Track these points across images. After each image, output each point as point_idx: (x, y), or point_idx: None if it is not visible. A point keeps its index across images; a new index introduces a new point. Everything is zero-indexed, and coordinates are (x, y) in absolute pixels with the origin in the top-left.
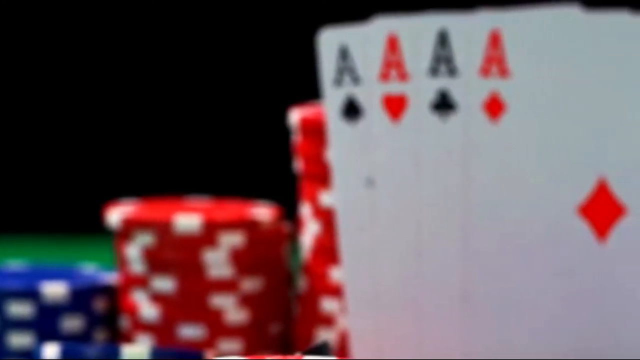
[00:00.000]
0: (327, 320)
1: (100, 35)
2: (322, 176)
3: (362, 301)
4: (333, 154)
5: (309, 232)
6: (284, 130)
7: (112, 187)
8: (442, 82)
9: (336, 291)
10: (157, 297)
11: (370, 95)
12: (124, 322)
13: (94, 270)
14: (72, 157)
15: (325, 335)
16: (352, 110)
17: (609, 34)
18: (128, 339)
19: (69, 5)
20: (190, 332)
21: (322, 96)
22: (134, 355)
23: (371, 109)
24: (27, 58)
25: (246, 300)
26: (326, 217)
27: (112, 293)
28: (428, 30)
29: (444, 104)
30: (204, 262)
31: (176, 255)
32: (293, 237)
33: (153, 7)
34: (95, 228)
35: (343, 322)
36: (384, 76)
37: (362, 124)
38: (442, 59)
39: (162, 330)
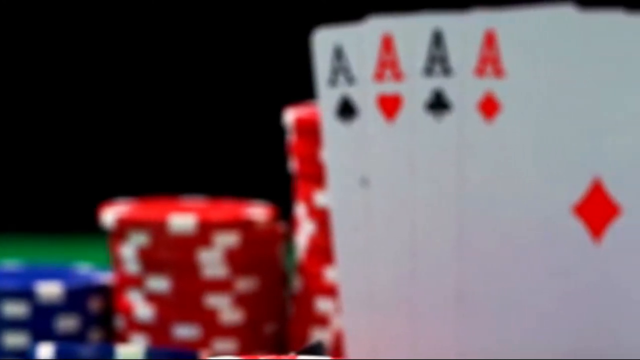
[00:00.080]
0: (322, 320)
1: (94, 37)
2: (317, 176)
3: (356, 301)
4: (328, 154)
5: (304, 232)
6: (279, 130)
7: (106, 187)
8: (437, 82)
9: (331, 291)
10: (152, 297)
11: (364, 95)
12: (119, 322)
13: (89, 270)
14: (67, 157)
15: (320, 335)
16: (346, 110)
17: (604, 34)
18: (123, 339)
19: (63, 5)
20: (185, 332)
21: (317, 96)
22: (129, 355)
23: (366, 108)
24: (20, 59)
25: (241, 300)
26: (321, 217)
27: (107, 293)
28: (423, 30)
29: (438, 104)
30: (199, 262)
31: (171, 255)
32: (288, 237)
33: (148, 7)
34: (90, 228)
35: (338, 322)
36: (379, 76)
37: (356, 124)
38: (437, 58)
39: (157, 330)
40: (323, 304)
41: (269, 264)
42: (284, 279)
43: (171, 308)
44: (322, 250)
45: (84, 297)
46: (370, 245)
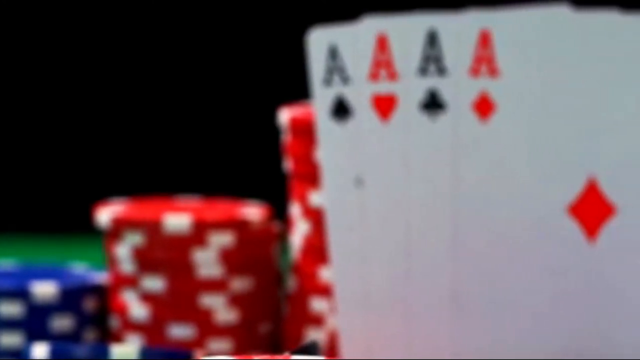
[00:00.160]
0: (317, 320)
1: (87, 37)
2: (311, 176)
3: (351, 301)
4: (322, 154)
5: (299, 231)
6: (274, 130)
7: (101, 187)
8: (432, 81)
9: (326, 291)
10: (147, 297)
11: (359, 95)
12: (114, 322)
13: (84, 269)
14: (61, 157)
15: (314, 335)
16: (341, 109)
17: (599, 34)
18: (118, 338)
19: (58, 5)
20: (180, 331)
21: (312, 96)
22: (123, 354)
23: (360, 108)
24: (15, 60)
25: (236, 300)
26: (316, 217)
27: (102, 293)
28: (417, 30)
29: (433, 104)
30: (194, 262)
31: (166, 254)
32: (283, 237)
33: (143, 7)
34: (85, 227)
35: (332, 322)
36: (374, 76)
37: (351, 124)
38: (432, 58)
39: (151, 330)
40: (318, 304)
41: (264, 263)
42: (278, 279)
43: (166, 308)
44: (317, 250)
45: (79, 296)
46: (365, 245)
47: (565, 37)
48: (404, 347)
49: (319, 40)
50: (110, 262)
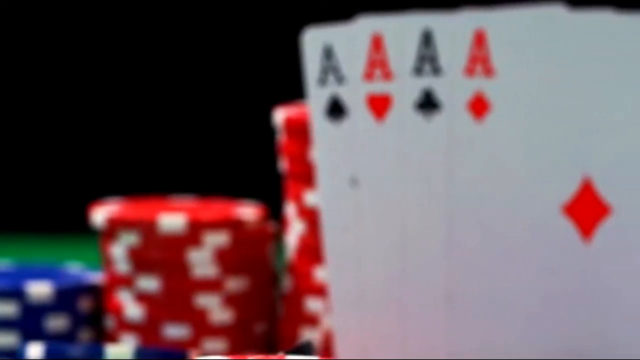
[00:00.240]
0: (312, 320)
1: (82, 39)
2: (306, 176)
3: (346, 301)
4: (317, 154)
5: (294, 231)
6: (269, 130)
7: (97, 187)
8: (427, 81)
9: (321, 291)
10: (142, 297)
11: (354, 95)
12: (109, 322)
13: (79, 269)
14: (57, 157)
15: (310, 335)
16: (336, 109)
17: (593, 33)
18: (113, 338)
19: (54, 6)
20: (175, 331)
21: (307, 96)
22: (118, 355)
23: (355, 108)
24: (9, 59)
25: (231, 300)
26: (311, 217)
27: (97, 293)
28: (412, 29)
29: (428, 104)
30: (189, 262)
31: (161, 254)
32: (278, 237)
33: (138, 7)
34: (80, 227)
35: (328, 322)
36: (368, 75)
37: (346, 124)
38: (427, 58)
39: (147, 330)
40: (313, 304)
41: (259, 263)
42: (274, 279)
43: (161, 308)
44: (312, 250)
45: (74, 296)
46: (360, 245)
47: (560, 36)
48: (399, 347)
49: (314, 40)
50: (105, 262)
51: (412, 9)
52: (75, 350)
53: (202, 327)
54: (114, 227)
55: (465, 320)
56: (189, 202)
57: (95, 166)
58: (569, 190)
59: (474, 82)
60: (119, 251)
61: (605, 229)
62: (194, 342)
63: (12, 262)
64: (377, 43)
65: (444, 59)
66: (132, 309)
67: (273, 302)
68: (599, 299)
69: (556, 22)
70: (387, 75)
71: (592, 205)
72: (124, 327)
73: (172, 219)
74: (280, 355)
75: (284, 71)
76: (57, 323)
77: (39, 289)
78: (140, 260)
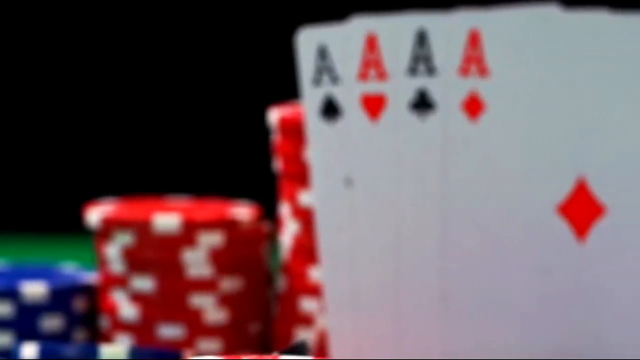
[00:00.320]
0: (307, 320)
1: (76, 39)
2: (301, 176)
3: (341, 301)
4: (312, 154)
5: (288, 231)
6: (264, 130)
7: (91, 187)
8: (421, 81)
9: (315, 291)
10: (137, 297)
11: (349, 95)
12: (104, 322)
13: (74, 269)
14: (51, 157)
15: (304, 335)
16: (330, 109)
17: (588, 33)
18: (108, 338)
19: (52, 7)
20: (169, 331)
21: (301, 96)
22: (113, 355)
23: (350, 108)
24: (3, 59)
25: (225, 300)
26: (305, 217)
27: (91, 293)
28: (407, 29)
29: (422, 104)
30: (184, 262)
31: (155, 254)
32: (272, 237)
33: (133, 7)
34: (75, 227)
35: (322, 322)
36: (363, 75)
37: (341, 124)
38: (421, 58)
39: (141, 330)
40: (307, 304)
41: (254, 263)
42: (268, 279)
43: (156, 308)
44: (306, 250)
45: (69, 296)
46: (354, 245)
47: (554, 37)
48: (394, 346)
49: (309, 40)
50: (100, 262)
51: (407, 9)
52: (69, 350)
53: (197, 327)
54: (109, 227)
55: (459, 320)
56: (183, 202)
57: (90, 166)
58: (563, 190)
59: (468, 82)
60: (113, 251)
61: (599, 229)
62: (188, 342)
63: (7, 262)
64: (371, 43)
65: (438, 59)
66: (127, 309)
67: (268, 302)
68: (593, 299)
69: (551, 22)
70: (382, 75)
71: (587, 206)
72: (119, 327)
73: (166, 219)
74: (274, 355)
75: (279, 71)
76: (51, 323)
77: (34, 289)
78: (135, 260)
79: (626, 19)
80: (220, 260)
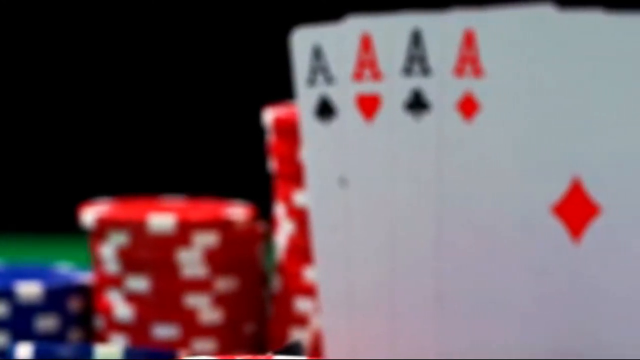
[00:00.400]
0: (301, 320)
1: (70, 40)
2: (296, 176)
3: (335, 301)
4: (307, 154)
5: (283, 231)
6: (258, 130)
7: (86, 187)
8: (416, 81)
9: (310, 291)
10: (132, 297)
11: (343, 95)
12: (99, 322)
13: (69, 269)
14: (46, 157)
15: (299, 335)
16: (325, 109)
17: (583, 34)
18: (103, 338)
19: (49, 8)
20: (164, 331)
21: (296, 96)
22: (107, 355)
23: (345, 108)
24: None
25: (220, 300)
26: (300, 217)
27: (86, 293)
28: (401, 29)
29: (417, 104)
30: (178, 262)
31: (150, 255)
32: (267, 237)
33: (128, 7)
34: (70, 228)
35: (317, 322)
36: (358, 76)
37: (335, 124)
38: (416, 58)
39: (136, 330)
40: (302, 304)
41: (249, 263)
42: (263, 279)
43: (151, 308)
44: (301, 250)
45: (64, 297)
46: (349, 245)
47: (549, 37)
48: (389, 347)
49: (303, 40)
50: (95, 262)
51: (402, 9)
52: (64, 350)
53: (192, 327)
54: (104, 227)
55: (454, 320)
56: (178, 202)
57: (85, 166)
58: (558, 190)
59: (463, 82)
60: (108, 251)
61: (594, 229)
62: (183, 342)
63: (2, 262)
64: (366, 43)
65: (433, 59)
66: (122, 309)
67: (262, 302)
68: (588, 299)
69: (545, 23)
70: (377, 75)
71: (582, 206)
72: (114, 327)
73: (161, 219)
74: (268, 355)
75: (274, 71)
76: (46, 323)
77: (29, 289)
78: (130, 261)
79: (621, 19)
80: (215, 260)
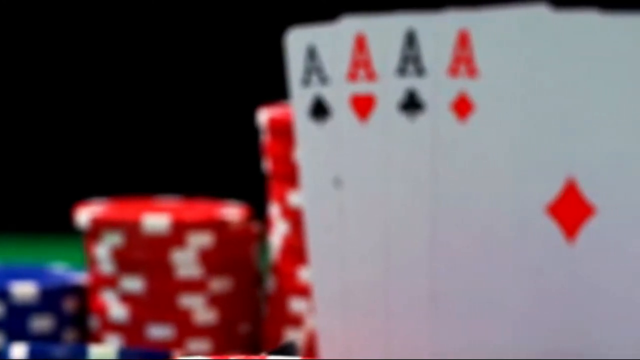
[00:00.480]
0: (296, 321)
1: (67, 40)
2: (290, 176)
3: (330, 301)
4: (301, 154)
5: (278, 232)
6: (253, 130)
7: (81, 187)
8: (410, 81)
9: (305, 291)
10: (126, 297)
11: (338, 95)
12: (94, 322)
13: (64, 270)
14: (41, 157)
15: (294, 335)
16: (320, 110)
17: (577, 34)
18: (97, 339)
19: (47, 8)
20: (159, 332)
21: (290, 96)
22: (102, 355)
23: (339, 108)
24: None
25: (215, 301)
26: (295, 217)
27: (81, 293)
28: (396, 30)
29: (412, 104)
30: (173, 262)
31: (145, 255)
32: (262, 237)
33: (124, 8)
34: (64, 228)
35: (311, 322)
36: (352, 76)
37: (330, 124)
38: (410, 58)
39: (131, 331)
40: (297, 304)
41: (243, 264)
42: (258, 279)
43: (145, 308)
44: (296, 250)
45: (59, 297)
46: (343, 246)
47: (544, 37)
48: (383, 347)
49: (298, 41)
50: (89, 263)
51: (396, 9)
52: (59, 350)
53: (186, 328)
54: (98, 228)
55: (449, 320)
56: (173, 202)
57: (80, 166)
58: (553, 190)
59: (457, 83)
60: (103, 251)
61: (589, 230)
62: (178, 343)
63: None
64: (360, 43)
65: (427, 60)
66: (117, 310)
67: (257, 302)
68: (583, 299)
69: (540, 23)
70: (371, 75)
71: (576, 206)
72: (108, 327)
73: (156, 220)
74: (263, 355)
75: (268, 71)
76: (41, 323)
77: (24, 290)
78: (125, 261)
79: (615, 19)
80: (210, 260)
